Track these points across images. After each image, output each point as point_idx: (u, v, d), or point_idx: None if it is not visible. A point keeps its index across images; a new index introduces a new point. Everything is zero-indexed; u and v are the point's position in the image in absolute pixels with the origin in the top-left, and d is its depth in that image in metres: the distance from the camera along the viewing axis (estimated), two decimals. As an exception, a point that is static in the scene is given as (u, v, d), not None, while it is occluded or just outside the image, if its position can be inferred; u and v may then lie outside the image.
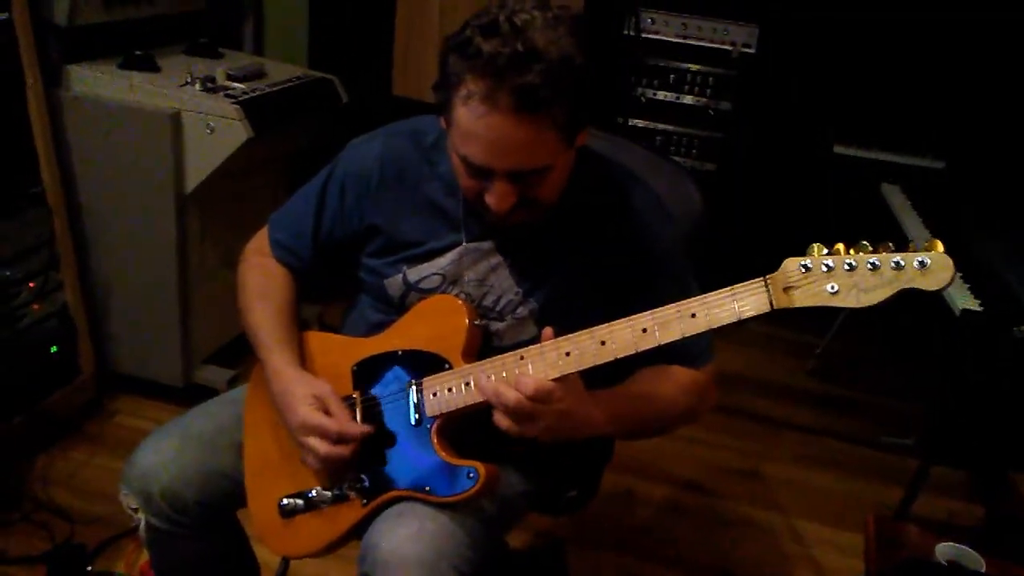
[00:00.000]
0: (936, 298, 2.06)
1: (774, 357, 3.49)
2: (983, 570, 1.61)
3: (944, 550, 1.65)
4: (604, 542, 2.39)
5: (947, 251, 1.02)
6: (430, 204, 1.39)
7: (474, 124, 1.16)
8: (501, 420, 1.19)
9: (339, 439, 1.29)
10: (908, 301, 1.05)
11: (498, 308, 1.38)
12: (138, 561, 2.06)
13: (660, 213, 1.39)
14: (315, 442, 1.29)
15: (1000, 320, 2.02)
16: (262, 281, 1.49)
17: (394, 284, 1.42)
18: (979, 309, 2.08)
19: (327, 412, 1.31)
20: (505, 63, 1.11)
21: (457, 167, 1.26)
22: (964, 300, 2.11)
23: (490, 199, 1.22)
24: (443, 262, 1.39)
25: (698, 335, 1.15)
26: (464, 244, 1.37)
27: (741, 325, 1.11)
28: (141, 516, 1.43)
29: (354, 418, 1.34)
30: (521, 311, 1.38)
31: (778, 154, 3.50)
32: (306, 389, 1.33)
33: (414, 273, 1.40)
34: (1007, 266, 2.27)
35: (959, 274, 2.21)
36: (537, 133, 1.16)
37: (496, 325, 1.39)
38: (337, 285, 1.56)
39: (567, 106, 1.16)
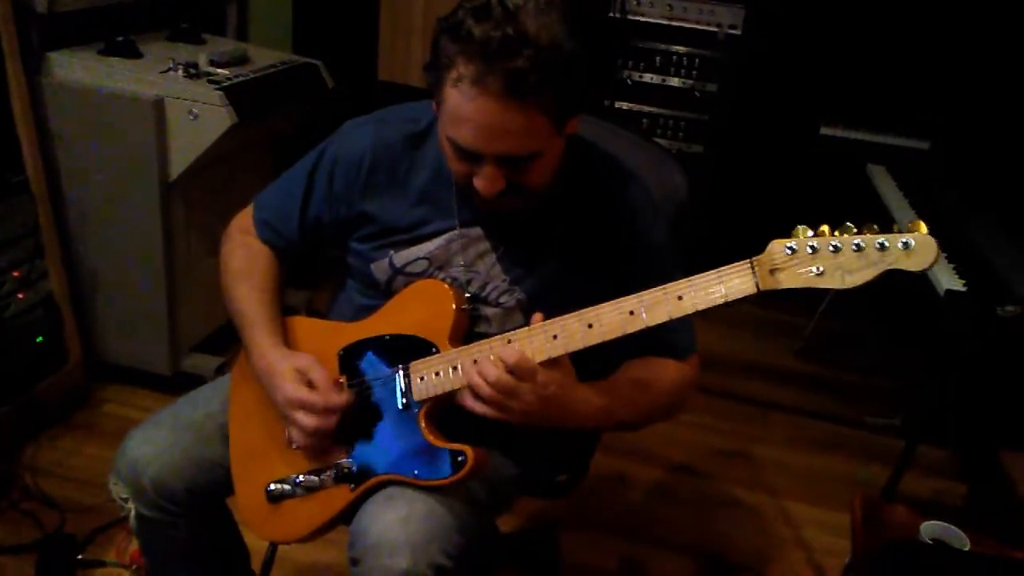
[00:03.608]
0: (921, 278, 2.08)
1: (762, 339, 3.50)
2: (967, 548, 1.62)
3: (929, 529, 1.66)
4: (595, 525, 2.40)
5: (931, 232, 1.02)
6: (421, 191, 1.39)
7: (463, 107, 1.16)
8: (476, 404, 1.20)
9: (324, 411, 1.29)
10: (893, 281, 1.06)
11: (484, 294, 1.39)
12: (128, 549, 2.06)
13: (649, 207, 1.39)
14: (302, 416, 1.30)
15: (984, 300, 2.04)
16: (246, 261, 1.48)
17: (380, 268, 1.42)
18: (963, 289, 2.09)
19: (311, 385, 1.31)
20: (496, 47, 1.11)
21: (446, 150, 1.25)
22: (948, 280, 2.12)
23: (478, 183, 1.22)
24: (430, 247, 1.39)
25: (683, 327, 1.16)
26: (457, 230, 1.37)
27: (729, 307, 1.12)
28: (131, 506, 1.43)
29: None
30: (508, 300, 1.38)
31: (764, 135, 3.51)
32: (290, 364, 1.33)
33: (400, 258, 1.40)
34: (991, 246, 2.28)
35: (944, 254, 2.22)
36: (526, 118, 1.15)
37: (484, 310, 1.39)
38: (325, 271, 1.55)
39: (557, 92, 1.15)
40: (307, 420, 1.30)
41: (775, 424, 2.99)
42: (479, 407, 1.20)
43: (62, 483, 2.27)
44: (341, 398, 1.31)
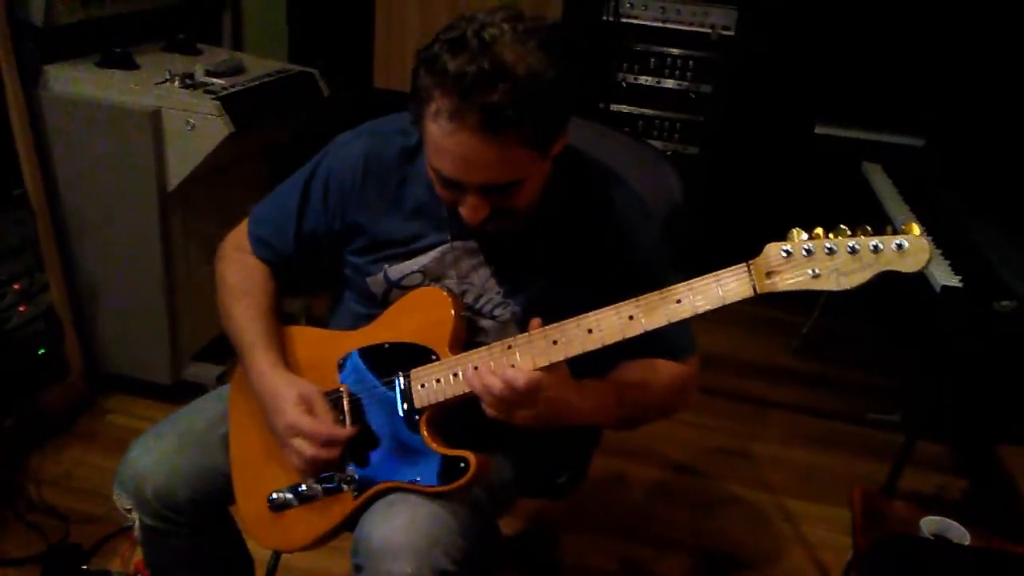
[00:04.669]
0: (917, 275, 2.09)
1: (760, 337, 3.51)
2: (967, 543, 1.63)
3: (929, 524, 1.68)
4: (595, 525, 2.41)
5: (927, 228, 1.04)
6: (414, 203, 1.39)
7: (443, 140, 1.16)
8: (489, 410, 1.21)
9: (325, 442, 1.30)
10: (890, 279, 1.08)
11: (479, 307, 1.40)
12: (133, 558, 2.06)
13: (642, 214, 1.40)
14: (302, 444, 1.30)
15: (980, 295, 2.05)
16: (242, 278, 1.48)
17: (376, 282, 1.43)
18: (959, 285, 2.10)
19: (312, 413, 1.32)
20: (471, 82, 1.11)
21: (432, 177, 1.26)
22: (945, 276, 2.13)
23: (463, 211, 1.24)
24: (424, 260, 1.39)
25: (680, 328, 1.17)
26: (450, 243, 1.38)
27: (729, 307, 1.13)
28: (135, 516, 1.43)
29: (341, 415, 1.35)
30: (502, 313, 1.39)
31: (759, 135, 3.52)
32: (293, 390, 1.33)
33: (395, 271, 1.41)
34: (986, 242, 2.29)
35: (939, 251, 2.24)
36: (504, 150, 1.15)
37: (480, 323, 1.40)
38: (323, 279, 1.56)
39: (535, 123, 1.15)
40: (307, 449, 1.30)
41: (773, 422, 3.00)
42: (491, 412, 1.22)
43: (66, 493, 2.28)
44: (343, 433, 1.31)
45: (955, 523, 1.66)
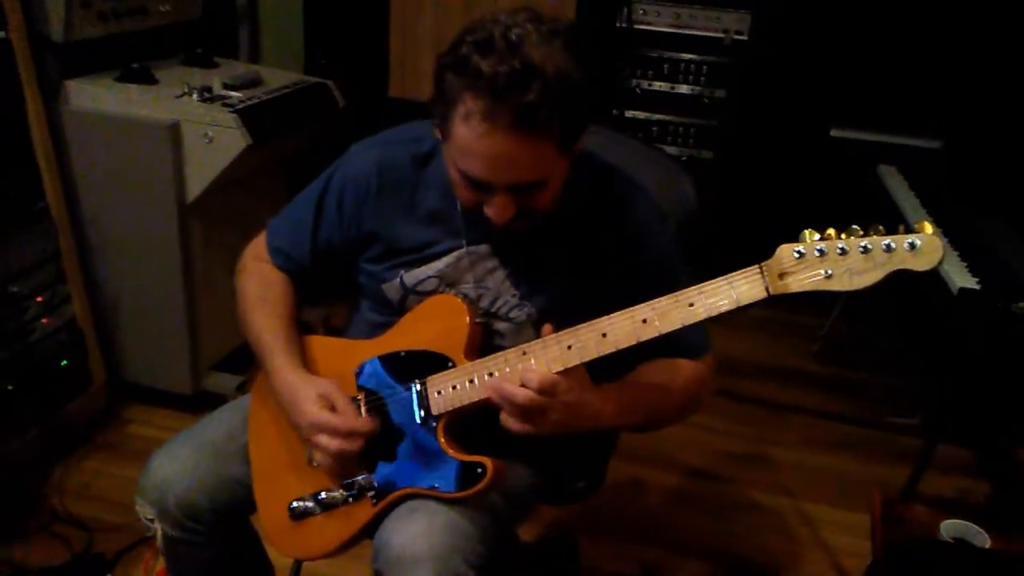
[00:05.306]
0: (934, 278, 2.08)
1: (779, 341, 3.50)
2: (988, 546, 1.62)
3: (949, 527, 1.67)
4: (613, 531, 2.41)
5: (943, 230, 1.04)
6: (428, 210, 1.41)
7: (474, 142, 1.17)
8: (511, 423, 1.22)
9: (348, 435, 1.31)
10: (907, 280, 1.08)
11: (495, 310, 1.41)
12: (156, 567, 2.08)
13: (656, 218, 1.41)
14: (325, 440, 1.31)
15: (998, 297, 2.04)
16: (261, 288, 1.50)
17: (392, 288, 1.44)
18: (977, 287, 2.09)
19: (334, 410, 1.33)
20: (504, 82, 1.12)
21: (455, 180, 1.27)
22: (962, 279, 2.12)
23: (490, 211, 1.25)
24: (439, 265, 1.41)
25: (696, 327, 1.17)
26: (465, 248, 1.39)
27: (743, 310, 1.13)
28: (157, 526, 1.45)
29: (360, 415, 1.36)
30: (518, 315, 1.40)
31: (774, 139, 3.51)
32: (312, 389, 1.35)
33: (411, 277, 1.42)
34: (1004, 244, 2.28)
35: (957, 253, 2.23)
36: (536, 149, 1.17)
37: (497, 325, 1.41)
38: (341, 288, 1.58)
39: (565, 121, 1.17)
40: (331, 443, 1.31)
41: (792, 426, 2.99)
42: (514, 425, 1.22)
43: (89, 503, 2.30)
44: (365, 424, 1.32)
45: (975, 526, 1.65)
